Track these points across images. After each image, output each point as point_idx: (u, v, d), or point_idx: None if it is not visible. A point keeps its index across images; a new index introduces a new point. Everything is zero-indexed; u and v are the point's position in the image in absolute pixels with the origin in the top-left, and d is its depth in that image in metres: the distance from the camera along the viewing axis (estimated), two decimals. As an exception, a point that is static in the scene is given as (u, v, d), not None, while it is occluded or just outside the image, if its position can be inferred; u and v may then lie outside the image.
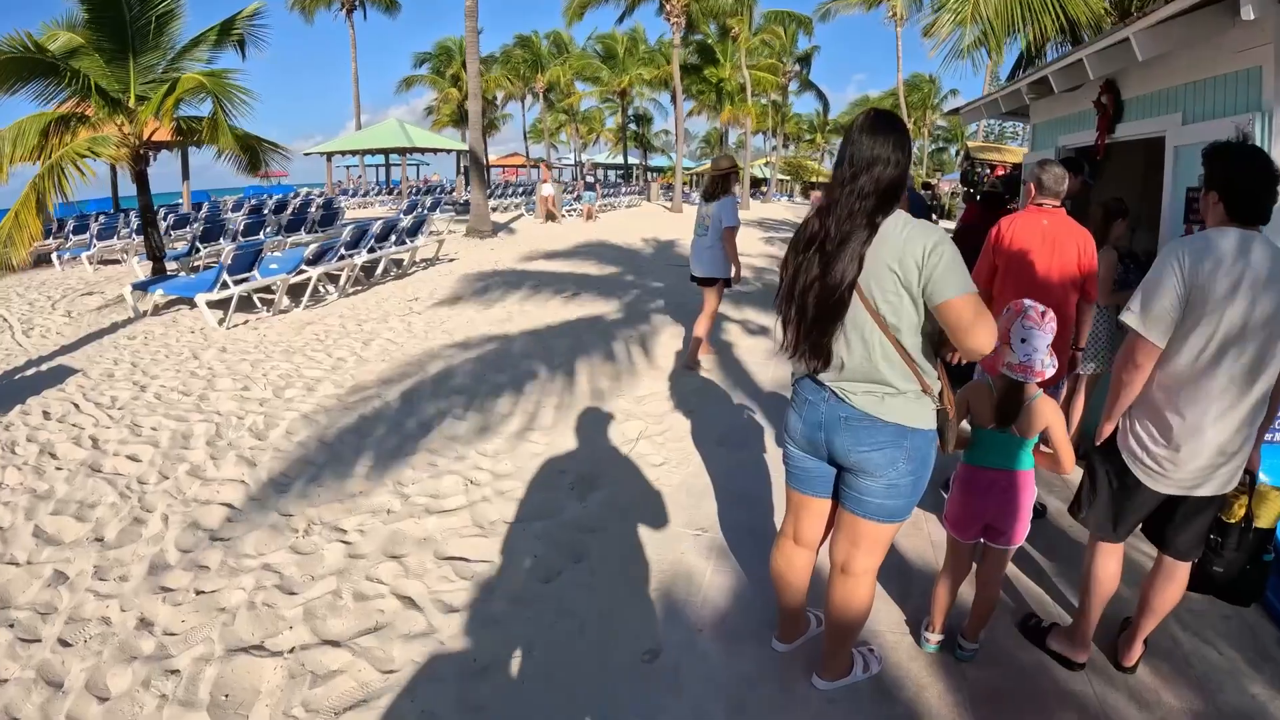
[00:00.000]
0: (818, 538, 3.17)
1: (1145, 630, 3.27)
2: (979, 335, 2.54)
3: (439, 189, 38.89)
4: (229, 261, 10.06)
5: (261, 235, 15.74)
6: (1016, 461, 3.15)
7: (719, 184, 7.90)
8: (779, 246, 21.60)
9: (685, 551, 4.28)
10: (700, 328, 8.12)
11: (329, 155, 37.14)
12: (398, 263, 14.28)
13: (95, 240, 15.98)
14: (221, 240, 14.87)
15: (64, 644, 3.51)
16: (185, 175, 25.50)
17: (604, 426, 6.30)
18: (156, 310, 10.94)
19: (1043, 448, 3.15)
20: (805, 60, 54.47)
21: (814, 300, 2.69)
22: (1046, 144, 9.34)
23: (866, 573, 2.95)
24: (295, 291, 11.29)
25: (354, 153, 39.68)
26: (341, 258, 12.08)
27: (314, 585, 3.96)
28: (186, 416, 6.56)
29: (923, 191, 34.49)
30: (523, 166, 65.06)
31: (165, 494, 5.09)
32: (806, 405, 2.88)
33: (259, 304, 11.01)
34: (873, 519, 2.82)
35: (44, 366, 8.41)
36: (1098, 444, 3.20)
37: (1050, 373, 3.01)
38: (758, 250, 20.00)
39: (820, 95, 58.77)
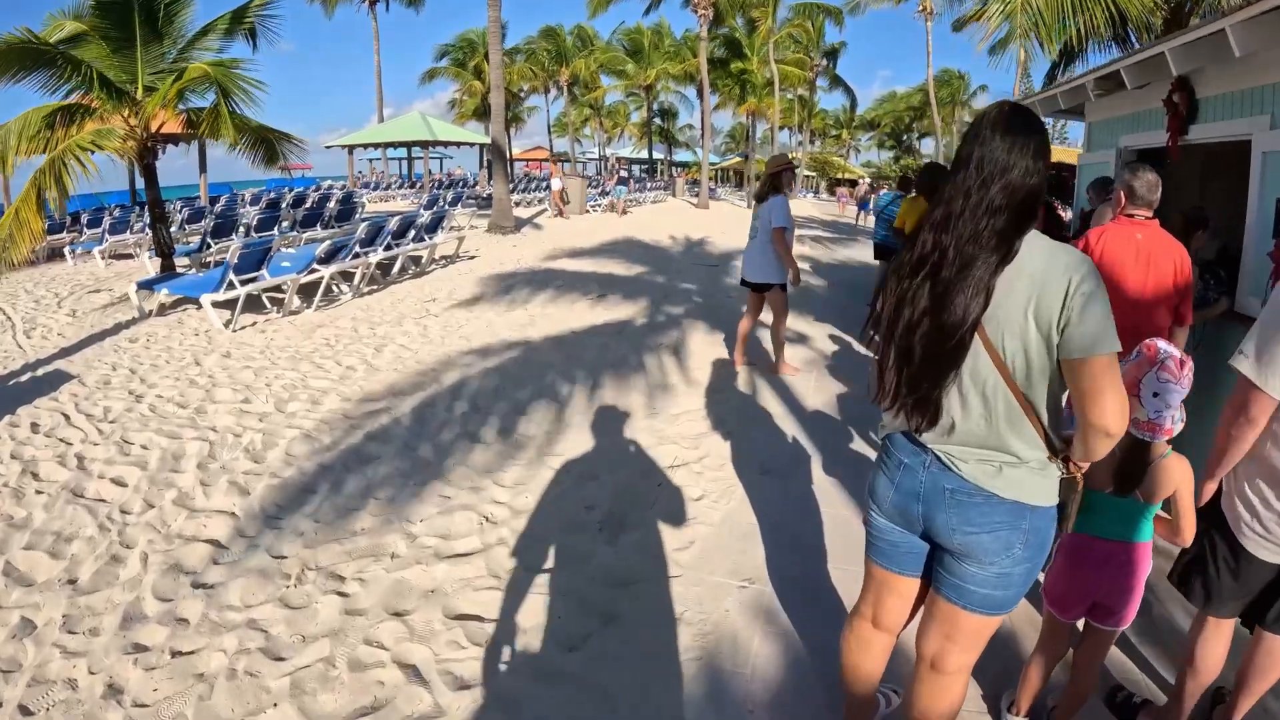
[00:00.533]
0: (901, 621, 2.58)
1: (1243, 710, 2.76)
2: (1108, 409, 1.95)
3: (461, 183, 38.39)
4: (235, 260, 9.55)
5: (275, 231, 15.29)
6: (1137, 532, 2.60)
7: (771, 184, 7.39)
8: (810, 245, 20.97)
9: (730, 610, 3.71)
10: (778, 339, 7.79)
11: (350, 148, 36.80)
12: (415, 260, 13.75)
13: (107, 235, 15.56)
14: (234, 236, 14.42)
15: (25, 712, 3.03)
16: (202, 168, 25.20)
17: (635, 452, 5.72)
18: (162, 310, 10.47)
19: (1162, 513, 2.61)
20: (832, 55, 53.88)
21: (923, 341, 2.10)
22: (1105, 144, 8.72)
23: (961, 671, 2.39)
24: (308, 291, 10.77)
25: (376, 146, 39.40)
26: (356, 256, 11.57)
27: (305, 649, 3.41)
28: (180, 433, 6.05)
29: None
30: (546, 160, 64.77)
31: (148, 526, 4.57)
32: (901, 470, 2.30)
33: (268, 304, 10.51)
34: (975, 611, 2.25)
35: (40, 371, 7.97)
36: (1198, 506, 2.64)
37: (1179, 429, 2.47)
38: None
39: (848, 90, 57.82)
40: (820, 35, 49.57)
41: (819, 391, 7.28)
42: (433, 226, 14.06)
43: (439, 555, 4.21)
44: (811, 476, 5.28)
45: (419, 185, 37.85)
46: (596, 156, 68.23)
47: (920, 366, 2.12)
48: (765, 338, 9.12)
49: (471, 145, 38.53)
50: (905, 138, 67.65)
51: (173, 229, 17.19)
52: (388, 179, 44.52)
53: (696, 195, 38.26)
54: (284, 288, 10.20)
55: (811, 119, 61.88)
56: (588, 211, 27.92)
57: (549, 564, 4.15)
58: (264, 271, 10.14)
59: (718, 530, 4.51)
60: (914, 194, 8.19)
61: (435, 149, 43.45)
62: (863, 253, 19.44)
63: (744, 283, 7.75)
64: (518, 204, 29.81)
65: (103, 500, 4.95)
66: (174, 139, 16.08)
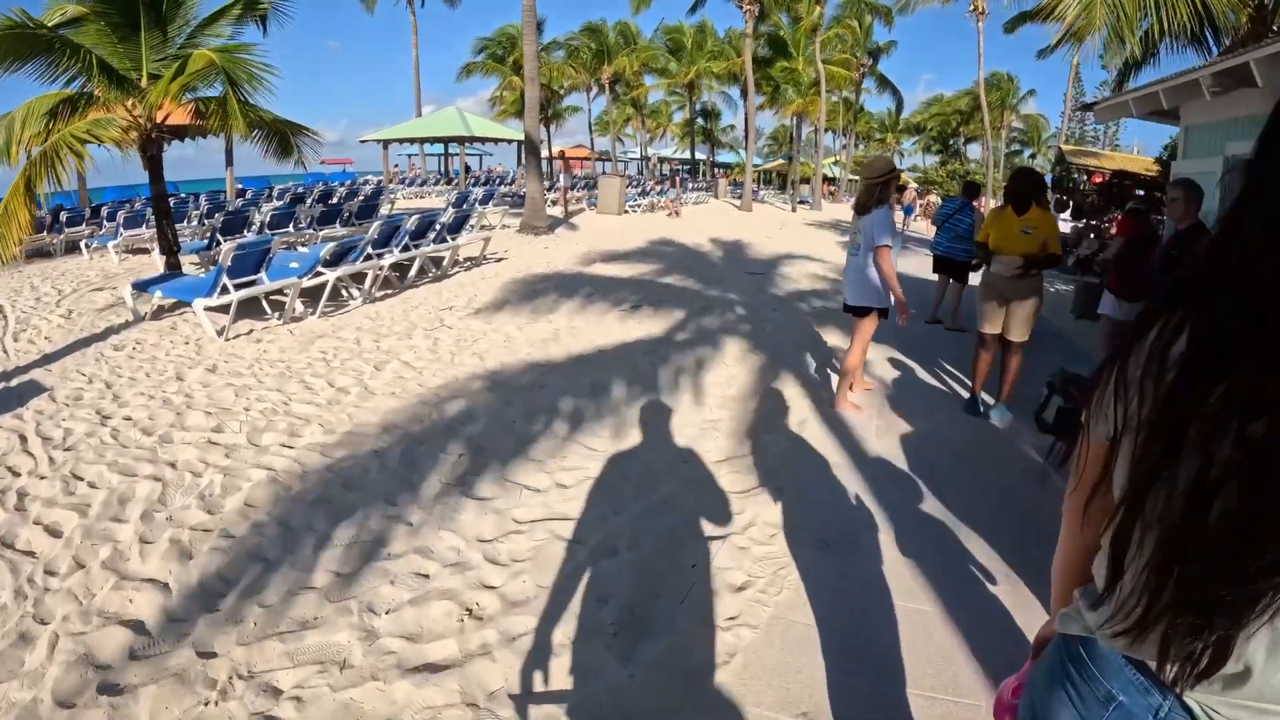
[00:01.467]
0: None
1: None
2: None
3: (499, 180, 37.59)
4: (228, 263, 8.70)
5: (290, 228, 14.48)
6: None
7: (873, 193, 6.45)
8: (857, 253, 19.88)
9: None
10: (851, 358, 6.78)
11: (385, 143, 36.21)
12: (437, 262, 12.84)
13: (122, 229, 14.86)
14: (246, 233, 13.63)
15: None
16: (229, 161, 24.54)
17: (664, 516, 4.70)
18: (159, 313, 9.66)
19: None
20: (876, 55, 52.69)
21: (1227, 525, 1.04)
22: (1206, 152, 7.64)
23: None
24: (316, 294, 9.89)
25: (412, 141, 38.86)
26: (368, 258, 10.69)
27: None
28: (135, 468, 5.18)
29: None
30: (588, 159, 64.09)
31: (69, 596, 3.72)
32: (1113, 710, 1.29)
33: (269, 309, 9.64)
34: None
35: (15, 381, 7.23)
36: None
37: None
38: (835, 258, 18.25)
39: (894, 91, 56.36)
40: (868, 35, 48.51)
41: (884, 434, 6.24)
42: (456, 226, 13.16)
43: (402, 667, 3.24)
44: (880, 553, 4.27)
45: (455, 182, 37.13)
46: (638, 156, 67.29)
47: (1217, 569, 1.08)
48: (801, 360, 8.15)
49: (510, 142, 37.72)
50: (952, 142, 65.96)
51: (191, 224, 16.55)
52: (424, 175, 43.81)
53: (739, 197, 37.21)
54: (286, 292, 9.33)
55: (857, 121, 60.46)
56: (626, 212, 26.95)
57: (543, 684, 3.18)
58: (262, 275, 9.28)
59: (765, 636, 3.51)
60: (1001, 204, 7.15)
61: (475, 145, 42.77)
62: (912, 261, 18.28)
63: (846, 308, 6.84)
64: (554, 203, 28.95)
65: (31, 554, 4.14)
66: (182, 131, 15.32)
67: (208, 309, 8.67)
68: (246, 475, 5.11)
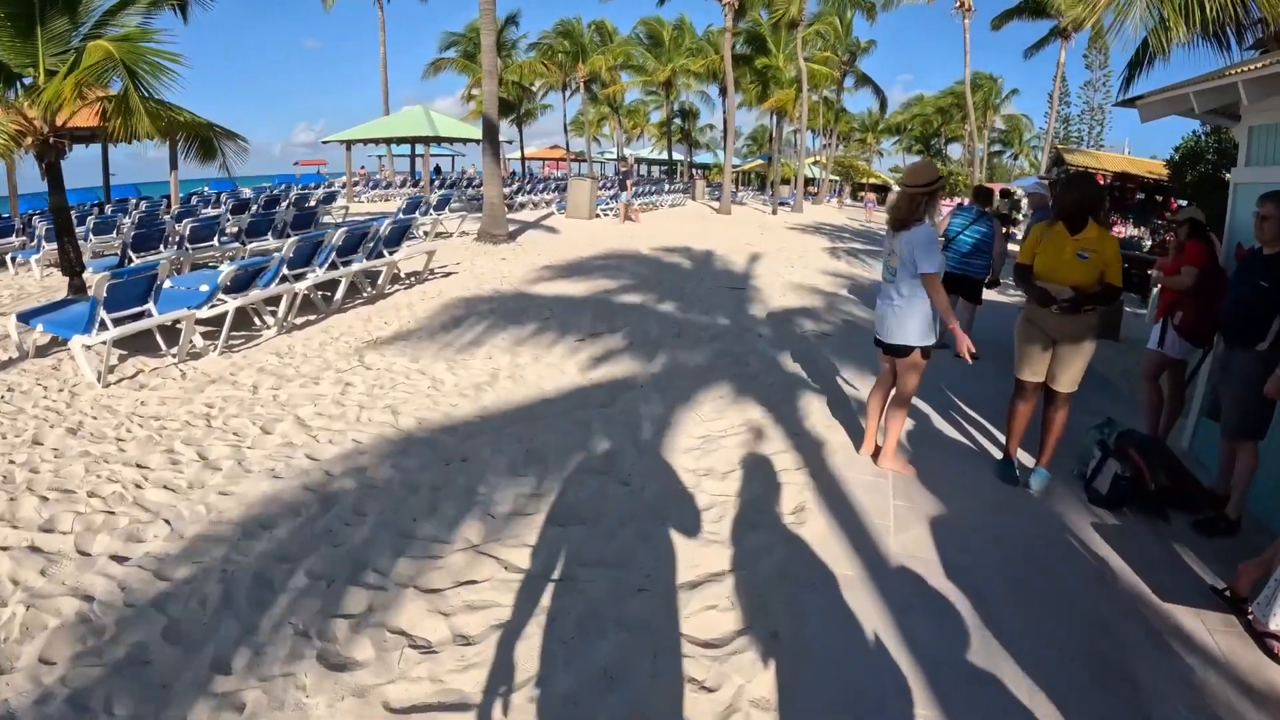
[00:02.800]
0: None
1: None
2: None
3: (468, 182, 35.93)
4: (103, 294, 7.09)
5: (215, 241, 12.81)
6: None
7: (916, 205, 5.19)
8: (847, 261, 18.35)
9: None
10: (894, 424, 5.55)
11: (348, 144, 34.42)
12: (375, 279, 11.23)
13: (44, 241, 13.10)
14: (162, 248, 11.99)
15: None
16: (174, 164, 22.68)
17: (608, 707, 3.17)
18: (46, 348, 8.00)
19: None
20: (856, 53, 51.69)
21: None
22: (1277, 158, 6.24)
23: None
24: (236, 321, 8.26)
25: (376, 141, 37.07)
26: (284, 279, 9.11)
27: None
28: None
29: (1002, 199, 31.34)
30: (563, 160, 62.70)
31: None
32: None
33: (164, 344, 8.00)
34: None
35: None
36: None
37: None
38: (822, 266, 16.79)
39: (877, 90, 55.21)
40: (848, 32, 47.41)
41: (906, 522, 4.73)
42: (394, 238, 11.56)
43: None
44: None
45: (419, 184, 35.44)
46: (615, 157, 65.94)
47: None
48: (794, 396, 6.65)
49: (478, 142, 36.05)
50: (934, 142, 64.88)
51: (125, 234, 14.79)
52: (391, 177, 41.93)
53: (717, 199, 35.80)
54: (181, 324, 7.74)
55: (838, 121, 59.30)
56: (598, 216, 25.39)
57: None
58: (150, 306, 7.68)
59: None
60: (1051, 217, 5.70)
61: (450, 146, 41.02)
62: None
63: (878, 343, 5.55)
64: (522, 206, 27.38)
65: None
66: (90, 134, 13.69)
67: (87, 347, 7.07)
68: (56, 607, 3.56)
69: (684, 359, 8.20)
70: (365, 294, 10.84)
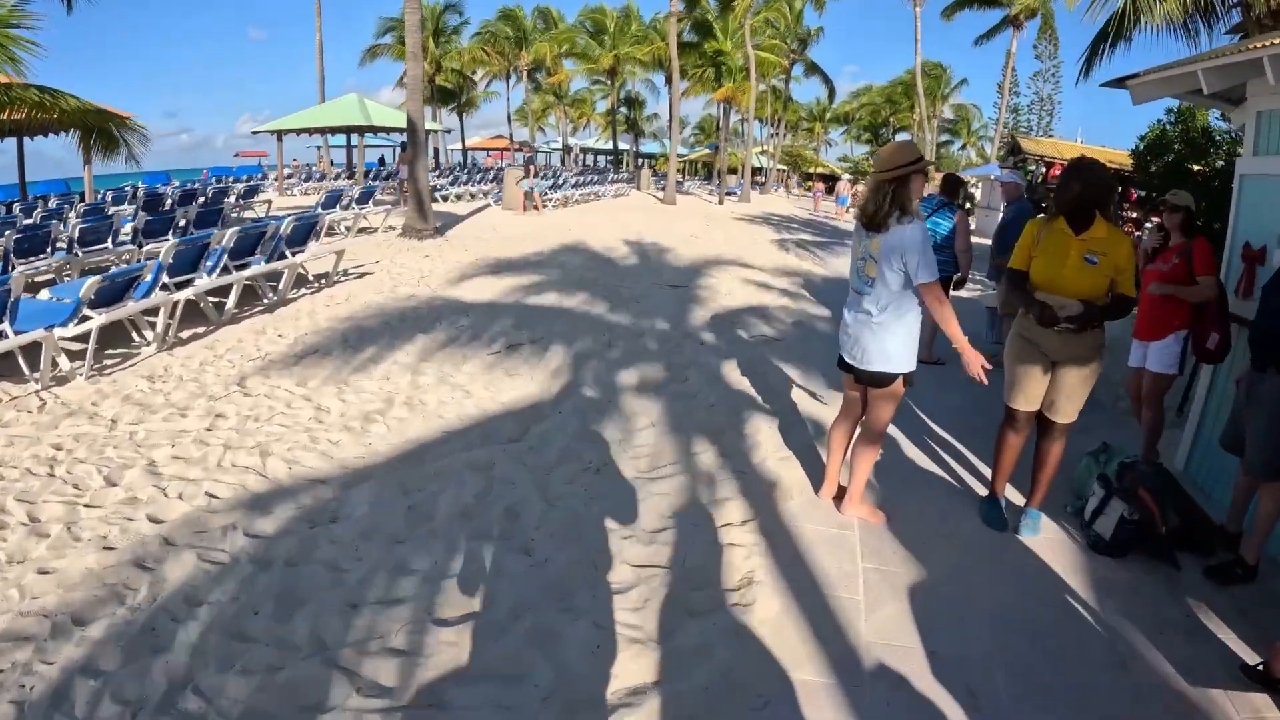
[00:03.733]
0: None
1: None
2: None
3: (397, 174, 34.56)
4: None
5: (110, 243, 11.46)
6: None
7: (884, 195, 4.20)
8: (796, 254, 17.41)
9: None
10: (861, 464, 4.58)
11: (279, 134, 32.79)
12: (285, 281, 10.01)
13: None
14: (48, 251, 10.65)
15: None
16: (86, 159, 21.10)
17: None
18: None
19: None
20: (806, 42, 51.09)
21: None
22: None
23: None
24: (110, 336, 7.05)
25: (310, 131, 35.39)
26: (166, 288, 7.94)
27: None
28: None
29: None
30: (507, 150, 61.34)
31: None
32: None
33: (27, 368, 6.77)
34: None
35: None
36: None
37: None
38: (770, 259, 15.84)
39: (826, 79, 54.74)
40: (798, 20, 46.80)
41: (879, 596, 3.79)
42: (299, 237, 10.38)
43: None
44: None
45: (350, 176, 33.99)
46: (560, 147, 64.82)
47: None
48: (745, 415, 5.68)
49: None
50: (882, 132, 64.57)
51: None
52: (326, 169, 40.16)
53: (663, 188, 34.83)
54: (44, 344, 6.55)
55: (786, 110, 58.72)
56: (543, 207, 24.24)
57: None
58: (4, 325, 6.47)
59: None
60: (1048, 210, 4.74)
61: (389, 136, 39.47)
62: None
63: (845, 366, 4.59)
64: (457, 198, 26.13)
65: None
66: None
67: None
68: None
69: (614, 376, 7.17)
70: (267, 300, 9.65)
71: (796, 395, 6.91)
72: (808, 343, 8.86)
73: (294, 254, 10.12)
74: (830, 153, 77.98)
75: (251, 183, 23.44)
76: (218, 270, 8.66)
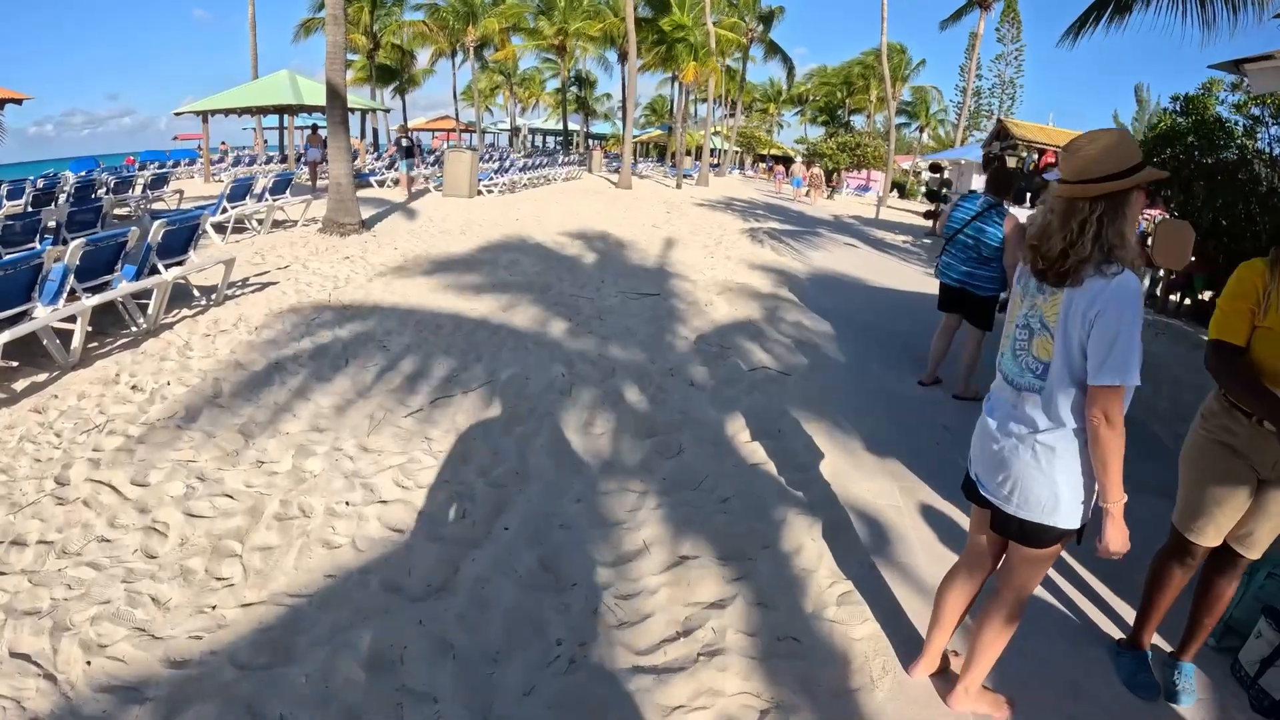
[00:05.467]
0: None
1: None
2: None
3: (304, 158, 32.02)
4: None
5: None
6: None
7: (1096, 225, 2.41)
8: (772, 246, 15.52)
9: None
10: (988, 646, 2.85)
11: (205, 115, 30.02)
12: (155, 304, 7.84)
13: None
14: None
15: None
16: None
17: None
18: None
19: None
20: (767, 20, 49.47)
21: None
22: None
23: None
24: None
25: (239, 111, 32.60)
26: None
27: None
28: None
29: (933, 174, 29.16)
30: (453, 131, 58.86)
31: None
32: None
33: None
34: None
35: None
36: None
37: None
38: (746, 254, 13.91)
39: (785, 59, 53.11)
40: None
41: None
42: (175, 246, 8.27)
43: None
44: None
45: (284, 160, 31.48)
46: (509, 127, 62.58)
47: None
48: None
49: (353, 112, 32.11)
50: (839, 113, 63.23)
51: None
52: (261, 151, 37.27)
53: (616, 171, 32.86)
54: None
55: (742, 91, 57.02)
56: (481, 193, 22.11)
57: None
58: None
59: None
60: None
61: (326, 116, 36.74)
62: (843, 259, 14.27)
63: (972, 493, 2.91)
64: (396, 183, 23.82)
65: None
66: None
67: None
68: None
69: (580, 447, 5.25)
70: (136, 327, 7.53)
71: (834, 472, 5.09)
72: (822, 379, 7.04)
73: (170, 267, 8.03)
74: (784, 135, 76.98)
75: (161, 170, 20.88)
76: (61, 297, 6.58)
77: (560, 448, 5.15)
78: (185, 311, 8.24)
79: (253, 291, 9.14)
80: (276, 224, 14.43)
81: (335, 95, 13.52)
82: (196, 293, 8.72)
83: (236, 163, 32.19)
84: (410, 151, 23.18)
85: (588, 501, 4.47)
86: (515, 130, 61.65)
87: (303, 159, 25.21)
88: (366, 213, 15.86)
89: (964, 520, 4.51)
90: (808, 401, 6.36)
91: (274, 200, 13.93)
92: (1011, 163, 16.86)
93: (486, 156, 32.50)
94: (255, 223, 13.70)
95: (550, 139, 67.56)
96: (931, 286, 13.17)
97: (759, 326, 8.70)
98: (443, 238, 13.78)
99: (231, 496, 4.38)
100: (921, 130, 63.69)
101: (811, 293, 11.13)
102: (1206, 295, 13.07)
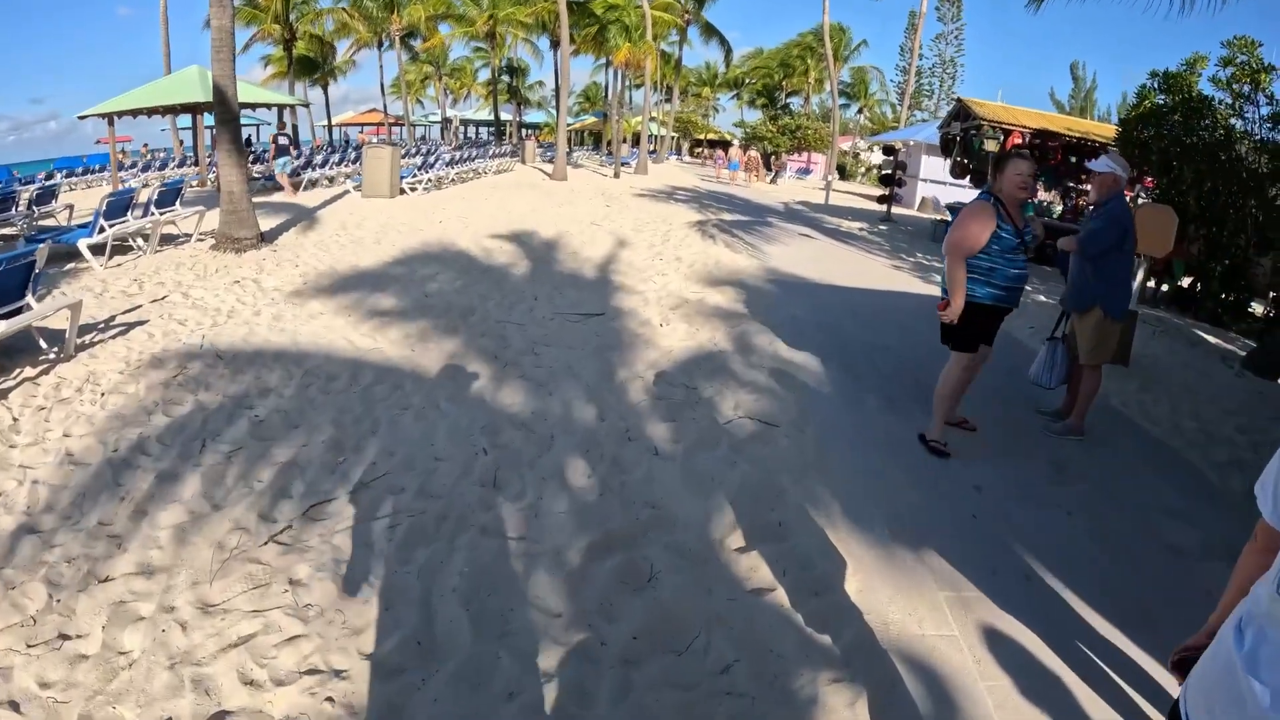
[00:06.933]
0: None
1: None
2: None
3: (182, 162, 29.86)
4: None
5: None
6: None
7: None
8: (725, 242, 13.99)
9: None
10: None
11: (110, 117, 27.49)
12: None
13: None
14: None
15: None
16: None
17: None
18: None
19: None
20: (703, 2, 48.14)
21: None
22: None
23: None
24: None
25: (148, 112, 30.04)
26: None
27: None
28: None
29: (887, 157, 27.90)
30: (381, 125, 56.78)
31: None
32: None
33: None
34: None
35: None
36: None
37: None
38: (699, 255, 12.39)
39: (722, 40, 51.78)
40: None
41: None
42: (11, 288, 6.55)
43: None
44: None
45: (197, 163, 29.22)
46: (439, 119, 60.72)
47: None
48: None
49: (269, 107, 29.90)
50: (776, 95, 62.18)
51: None
52: (181, 154, 34.64)
53: (550, 160, 31.24)
54: None
55: (678, 75, 55.63)
56: (404, 192, 20.32)
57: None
58: None
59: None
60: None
61: (252, 115, 34.33)
62: (803, 254, 12.80)
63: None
64: (313, 184, 21.90)
65: None
66: None
67: None
68: None
69: (502, 585, 3.67)
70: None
71: (862, 589, 3.68)
72: (816, 428, 5.60)
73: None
74: (721, 119, 76.04)
75: (50, 182, 18.58)
76: None
77: (478, 590, 3.61)
78: (28, 370, 6.50)
79: (115, 335, 7.38)
80: (168, 239, 12.59)
81: (221, 90, 11.70)
82: (44, 343, 6.92)
83: (146, 168, 29.88)
84: (285, 150, 21.88)
85: (523, 697, 2.96)
86: (447, 122, 59.77)
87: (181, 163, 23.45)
88: (273, 221, 14.08)
89: (1036, 644, 3.19)
90: (805, 468, 4.91)
91: (160, 214, 12.09)
92: (992, 146, 15.55)
93: (410, 151, 30.60)
94: (141, 241, 11.86)
95: (484, 130, 65.73)
96: (912, 285, 12.08)
97: (727, 355, 7.22)
98: (354, 248, 12.06)
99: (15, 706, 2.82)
100: (860, 111, 62.94)
101: (779, 301, 9.70)
102: (1186, 282, 12.24)
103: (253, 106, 29.70)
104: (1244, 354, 9.14)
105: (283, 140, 22.38)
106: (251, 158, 24.09)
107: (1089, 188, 5.75)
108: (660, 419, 5.62)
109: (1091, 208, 5.76)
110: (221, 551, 3.88)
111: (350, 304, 8.55)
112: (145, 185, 18.26)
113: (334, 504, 4.34)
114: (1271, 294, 11.45)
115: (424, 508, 4.29)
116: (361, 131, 59.56)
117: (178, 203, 13.01)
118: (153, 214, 12.01)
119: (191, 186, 19.84)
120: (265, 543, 3.96)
